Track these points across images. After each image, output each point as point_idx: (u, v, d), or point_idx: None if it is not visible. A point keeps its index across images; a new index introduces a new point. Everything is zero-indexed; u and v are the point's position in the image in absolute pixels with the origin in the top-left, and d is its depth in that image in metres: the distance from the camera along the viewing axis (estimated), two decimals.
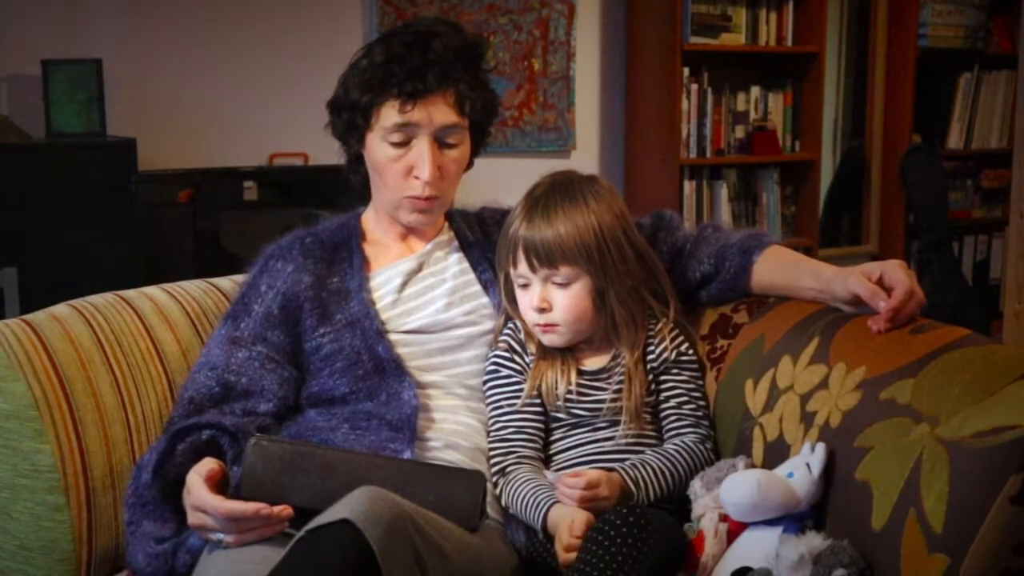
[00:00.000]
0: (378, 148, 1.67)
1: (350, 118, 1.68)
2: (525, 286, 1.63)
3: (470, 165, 1.78)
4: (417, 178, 1.65)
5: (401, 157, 1.65)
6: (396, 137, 1.64)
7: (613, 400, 1.61)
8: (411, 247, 1.75)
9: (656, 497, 1.54)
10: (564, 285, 1.59)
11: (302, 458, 1.41)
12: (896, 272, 1.49)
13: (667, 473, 1.56)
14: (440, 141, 1.66)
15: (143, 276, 2.45)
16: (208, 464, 1.43)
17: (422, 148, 1.64)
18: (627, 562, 1.32)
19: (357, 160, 1.74)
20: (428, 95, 1.62)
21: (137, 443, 1.62)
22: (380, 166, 1.68)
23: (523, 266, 1.60)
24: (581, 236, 1.57)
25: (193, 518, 1.41)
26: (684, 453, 1.59)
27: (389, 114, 1.63)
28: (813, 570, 1.27)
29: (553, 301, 1.60)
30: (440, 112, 1.63)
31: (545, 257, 1.58)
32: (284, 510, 1.37)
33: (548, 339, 1.63)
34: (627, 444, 1.60)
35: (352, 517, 1.20)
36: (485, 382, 1.67)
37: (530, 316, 1.62)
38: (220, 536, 1.39)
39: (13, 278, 2.84)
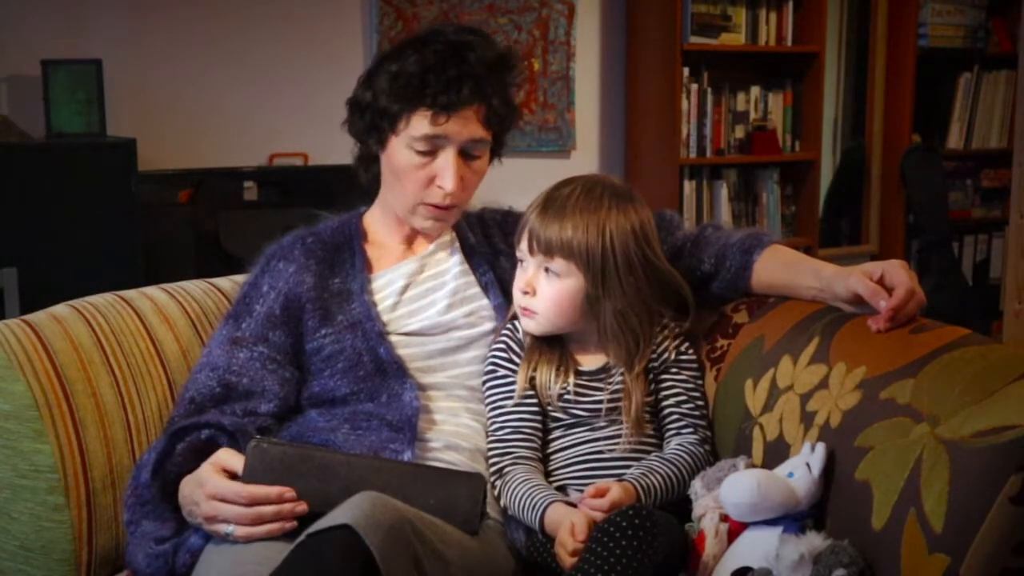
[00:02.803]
0: (401, 154, 1.66)
1: (374, 121, 1.67)
2: (522, 262, 1.64)
3: None
4: (440, 187, 1.65)
5: (425, 165, 1.65)
6: (422, 146, 1.63)
7: (611, 401, 1.61)
8: (413, 249, 1.75)
9: (660, 504, 1.53)
10: (555, 276, 1.60)
11: (302, 460, 1.41)
12: (897, 272, 1.49)
13: (673, 479, 1.56)
14: (466, 153, 1.66)
15: (143, 276, 2.45)
16: (223, 460, 1.44)
17: (448, 160, 1.63)
18: (632, 563, 1.32)
19: (370, 159, 1.74)
20: (461, 108, 1.62)
21: (137, 443, 1.62)
22: (401, 171, 1.67)
23: (524, 245, 1.62)
24: (588, 241, 1.57)
25: (208, 508, 1.40)
26: (687, 457, 1.59)
27: (420, 124, 1.62)
28: (813, 570, 1.27)
29: (538, 288, 1.60)
30: (470, 126, 1.63)
31: (545, 245, 1.58)
32: (299, 505, 1.38)
33: (525, 323, 1.64)
34: (626, 445, 1.60)
35: (353, 523, 1.20)
36: (484, 382, 1.67)
37: (516, 296, 1.64)
38: (229, 529, 1.39)
39: (13, 278, 2.83)
